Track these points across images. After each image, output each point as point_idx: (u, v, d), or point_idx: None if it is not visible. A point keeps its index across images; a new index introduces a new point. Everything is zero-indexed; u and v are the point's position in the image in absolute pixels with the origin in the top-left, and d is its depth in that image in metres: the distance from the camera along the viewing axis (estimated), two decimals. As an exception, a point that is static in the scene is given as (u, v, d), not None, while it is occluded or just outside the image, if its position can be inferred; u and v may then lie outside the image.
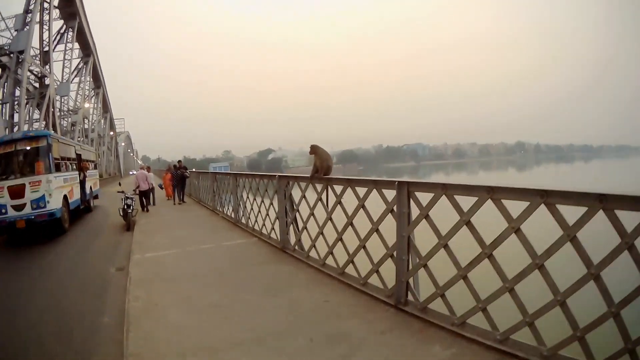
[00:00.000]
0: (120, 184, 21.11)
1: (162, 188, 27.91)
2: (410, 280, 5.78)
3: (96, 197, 26.20)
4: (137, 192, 21.04)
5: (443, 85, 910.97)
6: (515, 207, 4.28)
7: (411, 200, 5.67)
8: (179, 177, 24.35)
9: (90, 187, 23.85)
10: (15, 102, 33.06)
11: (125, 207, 16.67)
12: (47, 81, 39.31)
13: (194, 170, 28.93)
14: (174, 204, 23.98)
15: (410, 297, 5.80)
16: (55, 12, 43.22)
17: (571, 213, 3.79)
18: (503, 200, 4.44)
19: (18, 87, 32.73)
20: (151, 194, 23.04)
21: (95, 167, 28.03)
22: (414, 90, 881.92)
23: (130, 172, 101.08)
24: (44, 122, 37.60)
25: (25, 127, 34.93)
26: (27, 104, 34.83)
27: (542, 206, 4.00)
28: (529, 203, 4.16)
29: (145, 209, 21.56)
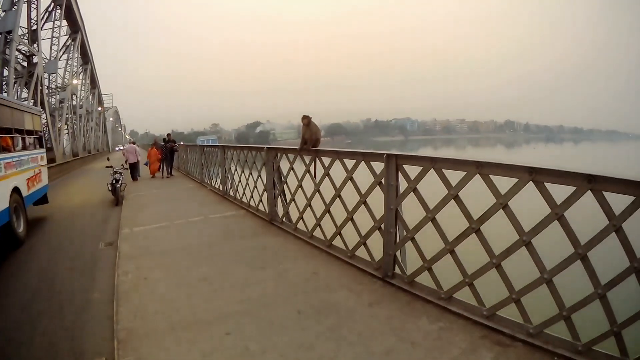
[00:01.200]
0: (108, 159, 20.99)
1: (147, 165, 25.03)
2: (398, 254, 5.79)
3: (41, 200, 14.87)
4: (127, 165, 21.25)
5: (435, 61, 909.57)
6: (504, 183, 4.28)
7: (399, 173, 5.65)
8: (168, 151, 24.21)
9: (17, 189, 11.16)
10: (4, 82, 32.73)
11: (114, 181, 16.53)
12: (35, 60, 38.50)
13: (182, 143, 28.40)
14: (162, 177, 23.85)
15: (397, 270, 5.81)
16: (44, -10, 42.43)
17: (560, 193, 3.81)
18: (491, 176, 4.42)
19: (6, 67, 32.33)
20: (138, 166, 23.33)
21: (39, 143, 14.76)
22: (404, 66, 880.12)
23: (117, 148, 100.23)
24: (32, 100, 37.02)
25: (15, 107, 34.57)
26: (15, 83, 34.38)
27: (532, 184, 3.99)
28: (517, 179, 4.16)
29: (135, 179, 22.37)
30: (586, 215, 4.00)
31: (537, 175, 3.95)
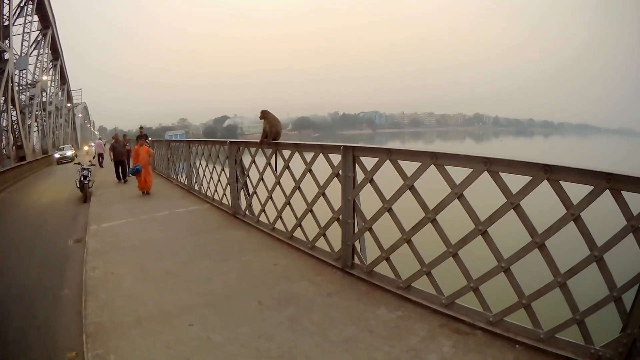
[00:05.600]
0: (76, 156, 20.84)
1: (135, 174, 16.27)
2: (357, 244, 5.72)
3: None
4: (94, 162, 20.65)
5: (404, 54, 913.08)
6: (461, 174, 4.24)
7: (356, 165, 5.59)
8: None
9: None
10: (-25, 79, 32.01)
11: (82, 178, 16.13)
12: (6, 56, 37.25)
13: (150, 139, 27.55)
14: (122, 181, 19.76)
15: (357, 261, 5.74)
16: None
17: (519, 184, 3.76)
18: (447, 167, 4.37)
19: (-23, 64, 31.67)
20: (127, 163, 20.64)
21: None
22: (373, 59, 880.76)
23: (91, 145, 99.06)
24: (3, 98, 36.11)
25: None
26: (-15, 80, 33.84)
27: (488, 175, 3.95)
28: (472, 170, 4.11)
29: (123, 180, 19.42)
30: (546, 205, 3.99)
31: (492, 166, 3.89)
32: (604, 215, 3.84)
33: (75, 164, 17.62)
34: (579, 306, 3.47)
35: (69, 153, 46.52)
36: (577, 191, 3.42)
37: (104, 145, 33.20)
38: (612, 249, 3.21)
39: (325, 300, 5.11)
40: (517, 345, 3.81)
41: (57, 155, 46.24)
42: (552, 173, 3.48)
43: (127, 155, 20.83)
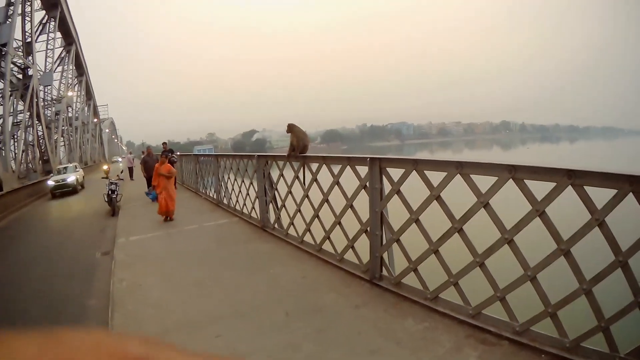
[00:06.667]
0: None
1: (154, 198, 15.53)
2: (385, 256, 5.70)
3: None
4: (122, 176, 20.11)
5: (432, 65, 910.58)
6: (487, 183, 4.22)
7: (383, 176, 5.60)
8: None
9: None
10: (0, 95, 32.78)
11: (110, 192, 16.31)
12: (30, 72, 38.02)
13: (177, 153, 26.76)
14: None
15: (385, 272, 5.71)
16: (37, 3, 41.82)
17: (543, 190, 3.71)
18: (472, 176, 4.36)
19: (1, 80, 32.18)
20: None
21: None
22: (402, 73, 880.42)
23: (115, 159, 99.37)
24: (29, 113, 36.95)
25: (10, 120, 34.50)
26: (11, 95, 34.20)
27: (512, 183, 3.92)
28: (497, 178, 4.08)
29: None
30: (569, 210, 3.93)
31: (517, 173, 3.86)
32: (625, 219, 3.79)
33: (103, 178, 17.53)
34: (605, 313, 3.39)
35: (72, 178, 28.34)
36: (597, 196, 3.38)
37: (133, 159, 32.97)
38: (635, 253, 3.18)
39: (352, 312, 5.09)
40: (542, 355, 3.75)
41: (50, 183, 28.15)
42: (576, 178, 3.44)
43: None
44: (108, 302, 6.21)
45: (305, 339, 4.52)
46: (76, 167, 32.06)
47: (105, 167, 29.14)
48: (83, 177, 32.51)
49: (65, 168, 31.20)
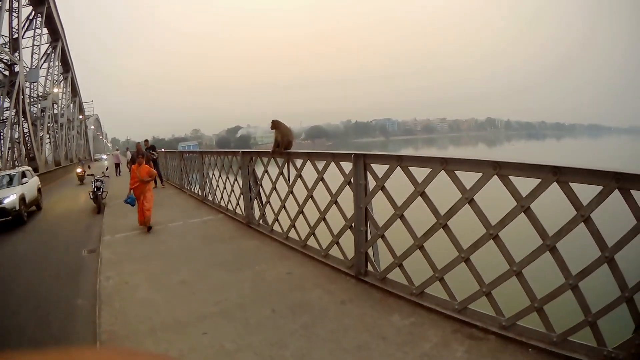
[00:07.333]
0: (89, 167, 20.75)
1: (132, 203, 16.13)
2: (370, 252, 5.72)
3: None
4: (108, 173, 20.03)
5: (415, 61, 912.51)
6: (472, 179, 4.23)
7: (367, 172, 5.60)
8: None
9: None
10: (-14, 92, 32.36)
11: (95, 189, 16.21)
12: (16, 69, 37.42)
13: (162, 150, 25.29)
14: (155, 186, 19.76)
15: (370, 268, 5.73)
16: (24, -1, 41.80)
17: (529, 186, 3.75)
18: (457, 172, 4.36)
19: (-12, 77, 31.98)
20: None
21: None
22: (384, 67, 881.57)
23: (99, 157, 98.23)
24: (14, 110, 36.46)
25: (-4, 116, 34.50)
26: (-3, 92, 34.17)
27: (497, 179, 3.96)
28: (481, 174, 4.11)
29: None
30: (556, 207, 3.96)
31: (502, 169, 3.89)
32: (611, 215, 3.82)
33: (88, 175, 17.43)
34: (592, 309, 3.43)
35: (9, 199, 15.17)
36: (584, 193, 3.41)
37: (119, 156, 33.49)
38: (621, 249, 3.20)
39: (338, 308, 5.11)
40: (530, 349, 3.78)
41: None
42: (561, 175, 3.47)
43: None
44: (95, 301, 6.16)
45: (291, 336, 4.54)
46: (24, 175, 18.24)
47: (78, 170, 28.22)
48: (39, 189, 19.59)
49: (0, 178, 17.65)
